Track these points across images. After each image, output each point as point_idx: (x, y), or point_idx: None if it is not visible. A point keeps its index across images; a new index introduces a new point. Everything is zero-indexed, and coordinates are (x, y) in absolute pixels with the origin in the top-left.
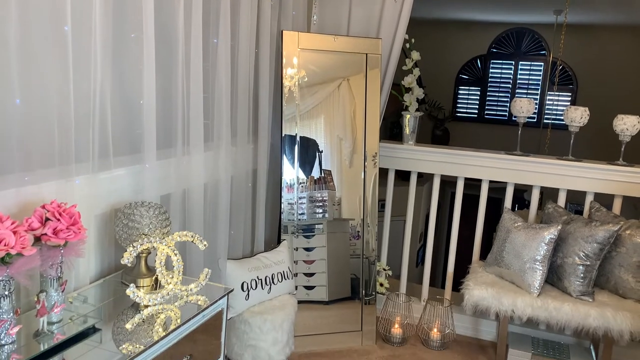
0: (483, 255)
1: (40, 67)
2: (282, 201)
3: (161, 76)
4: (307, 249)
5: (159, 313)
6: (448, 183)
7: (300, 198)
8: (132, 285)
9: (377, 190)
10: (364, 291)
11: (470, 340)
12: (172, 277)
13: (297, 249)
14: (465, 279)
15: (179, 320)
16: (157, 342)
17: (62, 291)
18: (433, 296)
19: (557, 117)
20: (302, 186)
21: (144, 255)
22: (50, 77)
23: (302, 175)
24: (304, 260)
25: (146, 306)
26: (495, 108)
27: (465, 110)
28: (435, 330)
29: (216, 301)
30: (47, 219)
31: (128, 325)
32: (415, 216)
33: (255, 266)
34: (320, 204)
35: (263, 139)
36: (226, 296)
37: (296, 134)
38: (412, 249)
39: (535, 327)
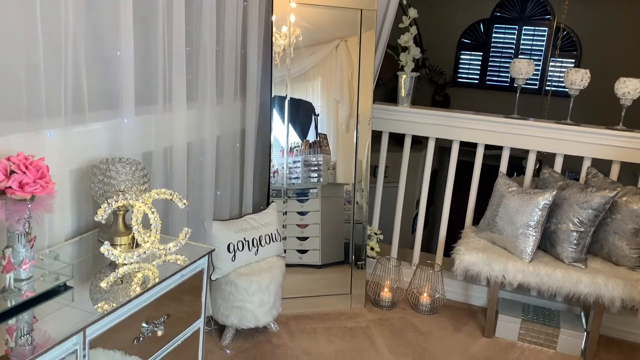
0: (476, 221)
1: (3, 13)
2: (272, 164)
3: (140, 26)
4: (301, 213)
5: (135, 272)
6: (446, 150)
7: (294, 162)
8: (106, 242)
9: (370, 155)
10: (354, 255)
11: (460, 305)
12: (150, 236)
13: (285, 213)
14: (457, 244)
15: (156, 279)
16: (131, 300)
17: (31, 247)
18: (424, 261)
19: (559, 84)
20: (297, 150)
21: (121, 212)
22: (16, 24)
23: (296, 139)
24: (297, 224)
25: (122, 264)
26: (497, 74)
27: (466, 76)
28: (425, 294)
29: (195, 261)
30: (12, 172)
31: (103, 284)
32: (411, 183)
33: (242, 227)
34: (315, 168)
35: (251, 99)
36: (207, 256)
37: (286, 95)
38: (407, 215)
39: (526, 293)
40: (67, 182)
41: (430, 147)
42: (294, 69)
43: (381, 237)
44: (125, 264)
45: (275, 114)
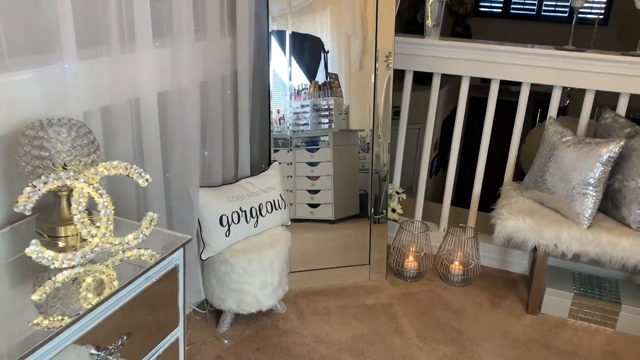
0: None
1: None
2: (277, 110)
3: None
4: (311, 164)
5: (82, 277)
6: (471, 87)
7: (302, 106)
8: (34, 242)
9: (391, 97)
10: (372, 209)
11: (496, 273)
12: (99, 227)
13: (289, 164)
14: (496, 204)
15: (115, 284)
16: (69, 325)
17: None
18: (454, 221)
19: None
20: (304, 93)
21: (64, 193)
22: None
23: (303, 80)
24: (307, 176)
25: (62, 269)
26: (522, 2)
27: (489, 5)
28: (456, 263)
29: (164, 257)
30: None
31: (35, 297)
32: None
33: (237, 195)
34: (326, 113)
35: (243, 34)
36: (182, 249)
37: (287, 30)
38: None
39: (576, 259)
40: None
41: (464, 88)
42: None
43: (404, 196)
44: (65, 269)
45: (276, 51)
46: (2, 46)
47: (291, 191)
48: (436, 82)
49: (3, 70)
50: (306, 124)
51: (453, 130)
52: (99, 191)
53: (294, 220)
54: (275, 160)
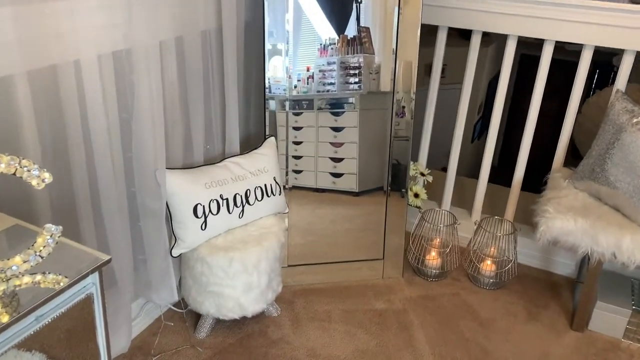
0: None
1: None
2: (307, 67)
3: None
4: (335, 129)
5: None
6: (522, 43)
7: (329, 63)
8: None
9: (417, 55)
10: (389, 188)
11: (536, 274)
12: None
13: (298, 126)
14: (542, 196)
15: None
16: None
17: None
18: (490, 205)
19: None
20: (331, 48)
21: None
22: None
23: (331, 34)
24: (330, 142)
25: None
26: None
27: None
28: (488, 262)
29: (67, 287)
30: None
31: None
32: (474, 83)
33: (218, 179)
34: (355, 72)
35: None
36: (97, 272)
37: None
38: (467, 123)
39: None
40: None
41: (510, 50)
42: None
43: (429, 178)
44: None
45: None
46: None
47: (315, 158)
48: (476, 41)
49: None
50: (332, 84)
51: (494, 92)
52: None
53: (314, 190)
54: (271, 136)
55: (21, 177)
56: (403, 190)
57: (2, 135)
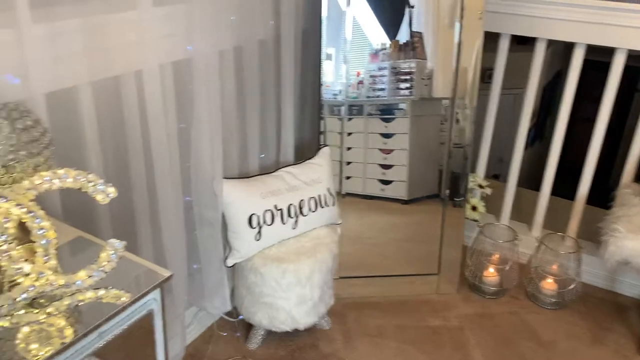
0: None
1: None
2: (357, 73)
3: None
4: (385, 135)
5: (7, 335)
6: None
7: (380, 68)
8: None
9: (479, 62)
10: (447, 190)
11: (601, 294)
12: (35, 263)
13: (347, 132)
14: (610, 213)
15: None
16: None
17: None
18: (552, 219)
19: None
20: (383, 53)
21: None
22: None
23: (383, 39)
24: (380, 149)
25: None
26: None
27: None
28: (549, 280)
29: (130, 304)
30: None
31: None
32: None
33: (273, 189)
34: (406, 77)
35: None
36: (158, 289)
37: None
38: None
39: None
40: None
41: (577, 59)
42: None
43: (488, 191)
44: None
45: (357, 4)
46: None
47: (363, 164)
48: (540, 49)
49: None
50: (383, 89)
51: (554, 99)
52: (32, 214)
53: (362, 197)
54: (325, 145)
55: (86, 192)
56: (456, 199)
57: (66, 145)
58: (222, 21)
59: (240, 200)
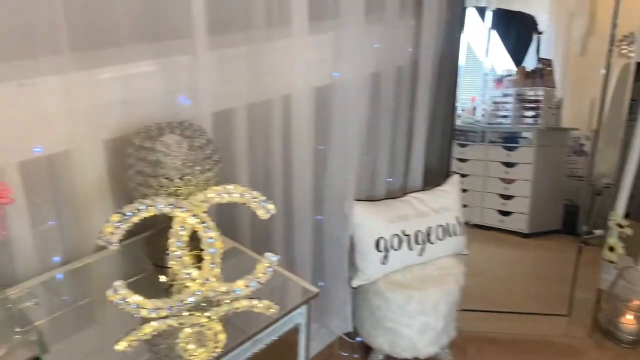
0: None
1: None
2: (472, 98)
3: None
4: (507, 164)
5: (175, 331)
6: None
7: (504, 95)
8: (117, 284)
9: (629, 92)
10: (585, 227)
11: None
12: (201, 270)
13: (480, 162)
14: None
15: (216, 348)
16: None
17: None
18: None
19: None
20: (508, 80)
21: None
22: None
23: (507, 65)
24: (500, 178)
25: (149, 319)
26: None
27: None
28: None
29: (281, 317)
30: None
31: (119, 346)
32: None
33: (401, 214)
34: (533, 105)
35: (431, 14)
36: (306, 304)
37: (487, 7)
38: None
39: None
40: (99, 158)
41: None
42: None
43: (628, 231)
44: (154, 319)
45: (475, 31)
46: (121, 31)
47: (481, 193)
48: None
49: (120, 60)
50: (506, 117)
51: None
52: (205, 224)
53: (478, 227)
54: (455, 173)
55: (249, 207)
56: (586, 236)
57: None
58: (366, 48)
59: (369, 222)
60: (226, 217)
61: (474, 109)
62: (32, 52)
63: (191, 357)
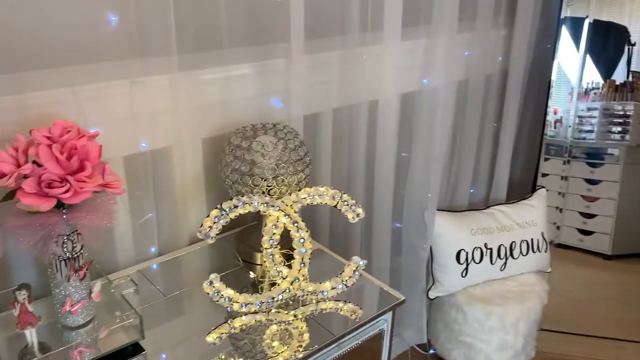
0: None
1: None
2: (554, 110)
3: None
4: (590, 181)
5: (264, 327)
6: None
7: (589, 109)
8: (213, 277)
9: None
10: None
11: None
12: (292, 269)
13: (564, 179)
14: None
15: (300, 347)
16: None
17: (82, 279)
18: None
19: None
20: (594, 93)
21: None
22: None
23: (594, 77)
24: (582, 195)
25: (241, 314)
26: None
27: None
28: None
29: (368, 320)
30: (34, 162)
31: (210, 338)
32: None
33: (483, 227)
34: (620, 120)
35: (523, 23)
36: (391, 311)
37: (586, 17)
38: None
39: None
40: (197, 155)
41: None
42: None
43: None
44: (244, 314)
45: (565, 42)
46: (224, 34)
47: (560, 210)
48: None
49: (221, 63)
50: (591, 131)
51: None
52: (296, 224)
53: (556, 246)
54: (542, 187)
55: (340, 210)
56: None
57: None
58: (456, 56)
59: (451, 234)
60: (306, 219)
61: (556, 121)
62: (145, 52)
63: (275, 355)
